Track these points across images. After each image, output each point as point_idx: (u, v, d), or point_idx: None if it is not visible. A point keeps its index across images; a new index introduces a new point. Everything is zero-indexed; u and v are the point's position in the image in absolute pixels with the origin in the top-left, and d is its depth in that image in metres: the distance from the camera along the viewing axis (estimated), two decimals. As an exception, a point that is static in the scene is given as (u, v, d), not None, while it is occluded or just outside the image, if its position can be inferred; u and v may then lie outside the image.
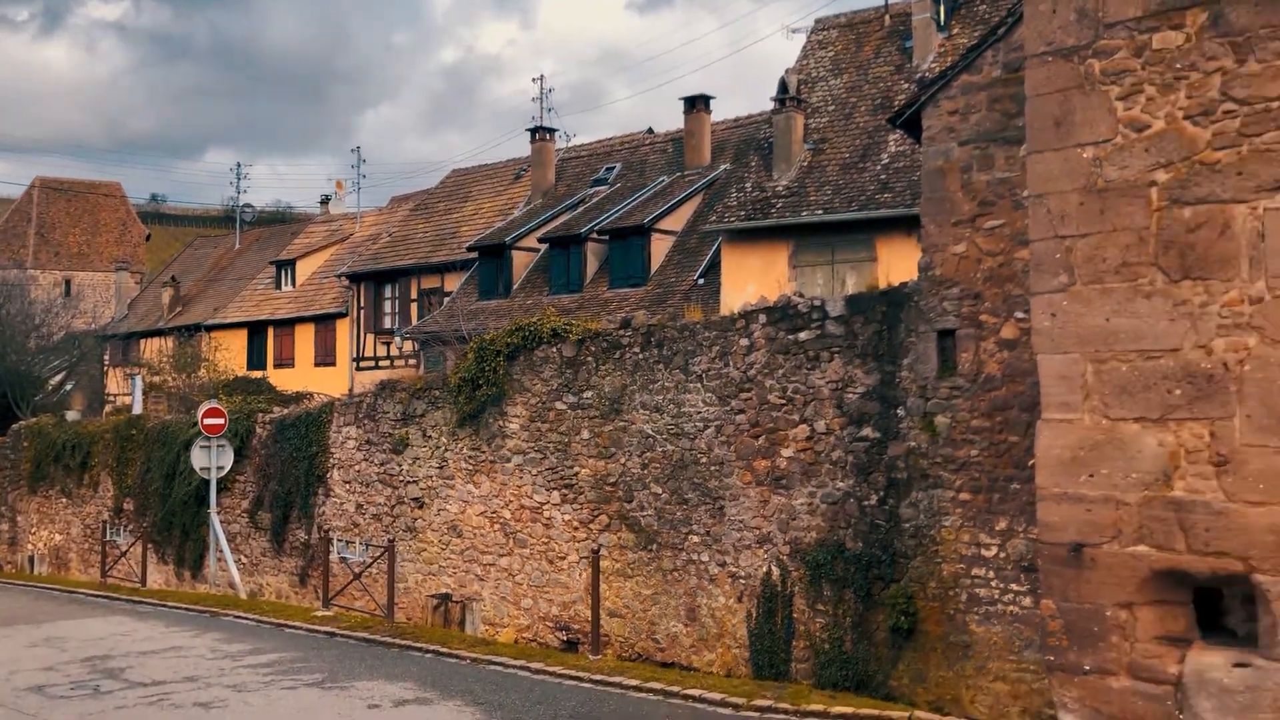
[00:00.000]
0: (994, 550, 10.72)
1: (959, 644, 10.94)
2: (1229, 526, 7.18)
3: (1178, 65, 7.47)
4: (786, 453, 12.23)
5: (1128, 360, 7.67)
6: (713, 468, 12.94)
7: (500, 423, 15.48)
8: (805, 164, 24.23)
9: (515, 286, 30.60)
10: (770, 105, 25.46)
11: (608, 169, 33.00)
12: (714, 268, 25.83)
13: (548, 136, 34.35)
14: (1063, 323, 7.99)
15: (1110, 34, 7.79)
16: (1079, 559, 7.82)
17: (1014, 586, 10.50)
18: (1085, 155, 7.89)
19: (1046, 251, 8.10)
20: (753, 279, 23.20)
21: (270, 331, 40.58)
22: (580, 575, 14.24)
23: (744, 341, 12.77)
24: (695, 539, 13.06)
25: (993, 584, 10.73)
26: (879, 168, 23.21)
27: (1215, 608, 8.20)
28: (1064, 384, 7.96)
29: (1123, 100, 7.73)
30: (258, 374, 35.76)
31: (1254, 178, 7.13)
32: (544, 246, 30.37)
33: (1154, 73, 7.57)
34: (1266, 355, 7.07)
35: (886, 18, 26.06)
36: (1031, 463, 8.48)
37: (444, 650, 13.53)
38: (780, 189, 24.11)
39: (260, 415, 20.73)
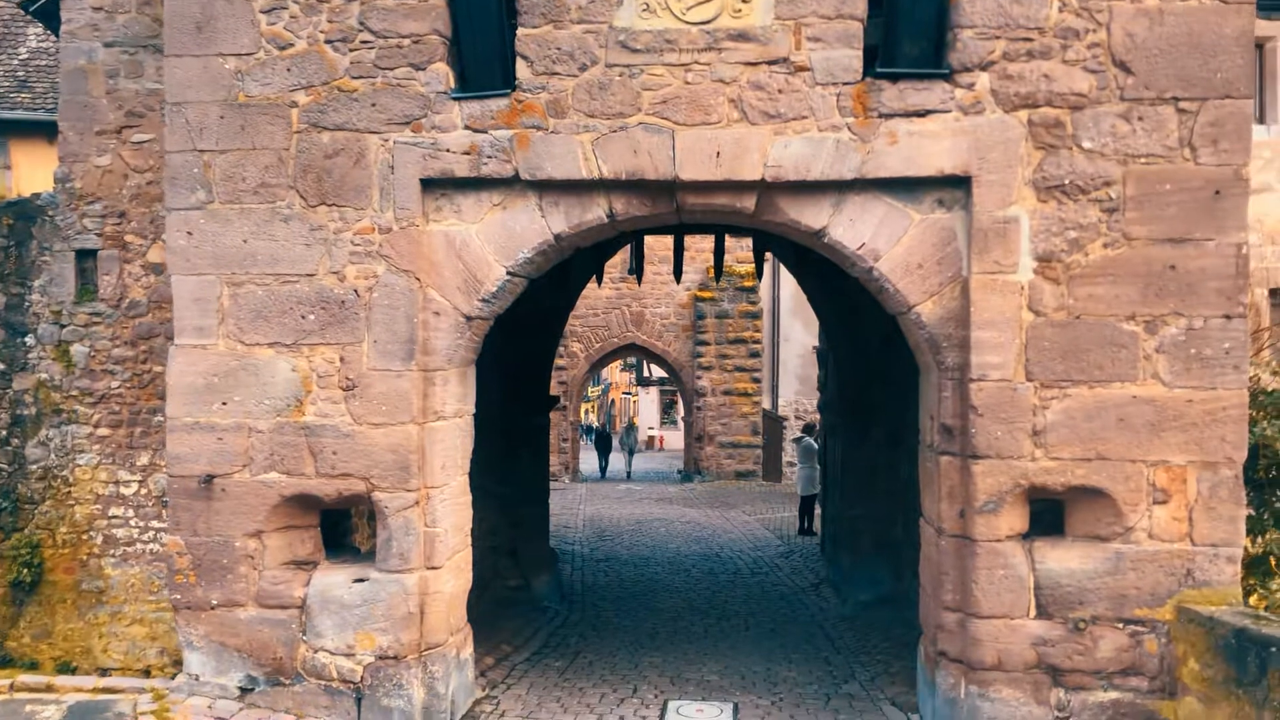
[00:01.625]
0: (134, 487, 10.05)
1: (92, 591, 10.11)
2: (354, 449, 7.41)
3: (320, -14, 7.38)
4: None
5: (264, 284, 7.46)
6: None
7: None
8: (-82, 41, 20.12)
9: None
10: None
11: None
12: None
13: None
14: (199, 242, 7.50)
15: (255, -60, 7.42)
16: (209, 490, 7.47)
17: (155, 524, 9.95)
18: (227, 66, 7.45)
19: (184, 165, 7.51)
20: None
21: None
22: None
23: None
24: None
25: (132, 523, 10.10)
26: (16, 63, 20.17)
27: (342, 528, 8.51)
28: (199, 307, 7.50)
29: (266, 14, 7.42)
30: None
31: (386, 110, 7.35)
32: None
33: (297, -11, 7.39)
34: (393, 284, 7.38)
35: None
36: (166, 391, 7.89)
37: None
38: (-117, 67, 19.69)
39: None
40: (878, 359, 12.51)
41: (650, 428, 60.05)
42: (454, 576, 7.77)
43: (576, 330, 32.92)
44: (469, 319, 7.52)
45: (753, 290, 32.36)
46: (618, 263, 32.88)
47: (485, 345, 9.01)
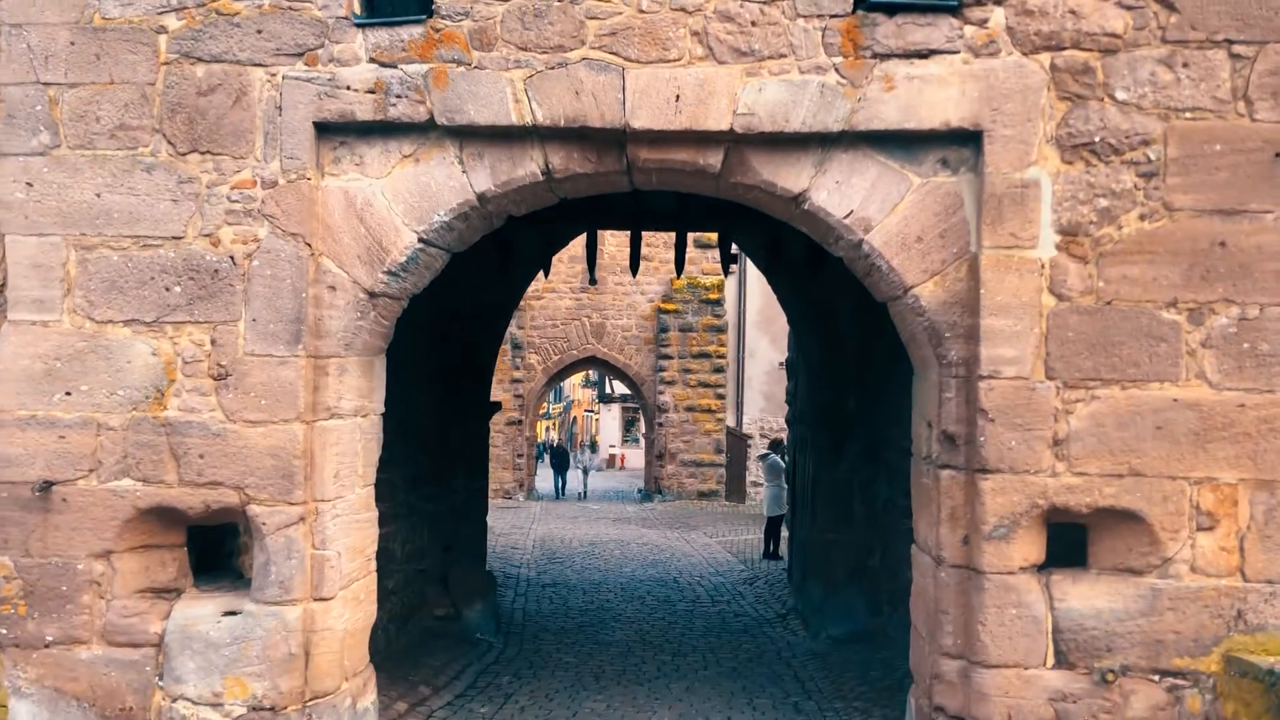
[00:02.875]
0: None
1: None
2: (226, 451, 6.03)
3: (196, -114, 6.05)
4: None
5: (121, 248, 6.09)
6: None
7: None
8: None
9: None
10: None
11: None
12: None
13: None
14: (41, 195, 6.11)
15: None
16: (47, 500, 6.05)
17: None
18: (81, -19, 6.10)
19: (25, 101, 6.13)
20: None
21: None
22: None
23: None
24: None
25: None
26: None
27: (229, 547, 7.10)
28: (39, 275, 6.11)
29: (132, -81, 6.08)
30: None
31: (274, 38, 6.02)
32: None
33: (168, -111, 6.05)
34: (278, 250, 6.03)
35: None
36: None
37: None
38: None
39: None
40: (854, 364, 11.30)
41: (612, 445, 58.78)
42: (350, 609, 6.39)
43: (534, 341, 31.61)
44: (372, 296, 6.18)
45: (718, 303, 31.21)
46: (579, 272, 31.64)
47: (414, 343, 7.73)
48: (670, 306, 30.83)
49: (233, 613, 6.10)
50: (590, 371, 53.24)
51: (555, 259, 30.85)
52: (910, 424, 6.78)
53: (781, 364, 21.50)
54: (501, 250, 10.95)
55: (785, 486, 16.40)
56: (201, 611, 6.15)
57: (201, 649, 6.04)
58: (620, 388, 47.56)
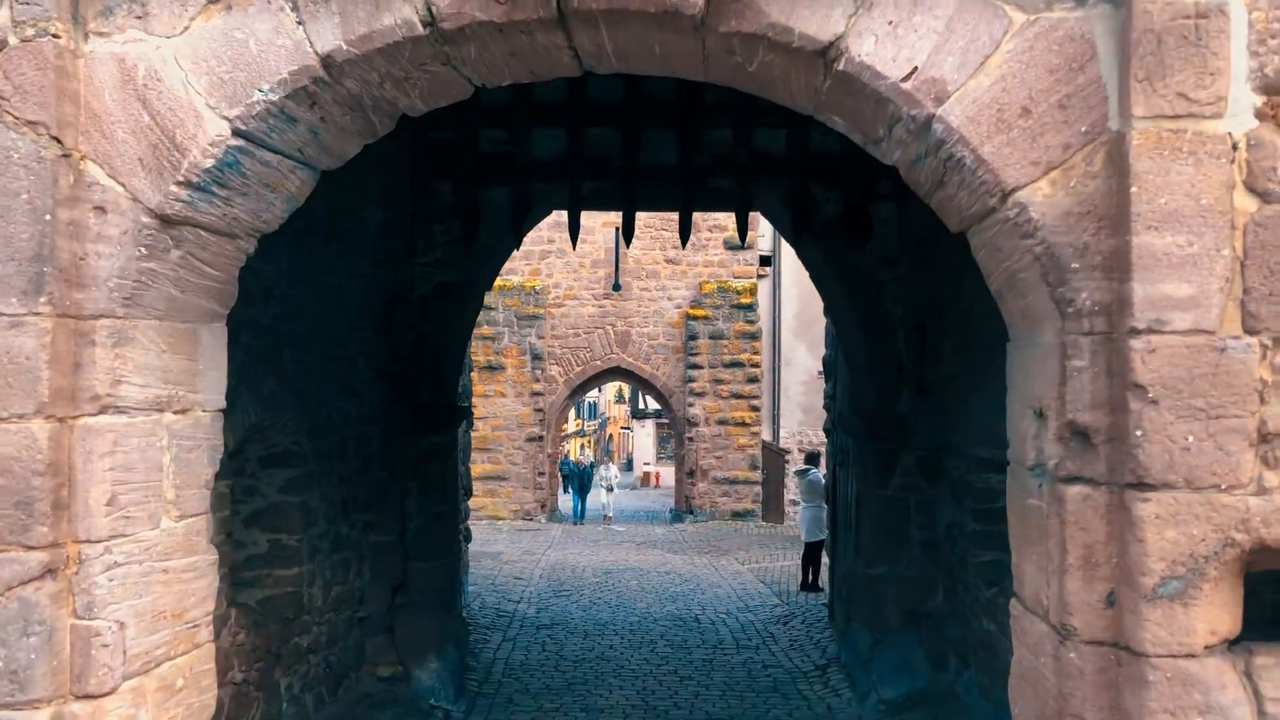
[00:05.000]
0: None
1: None
2: (-68, 465, 3.87)
3: None
4: None
5: None
6: None
7: None
8: None
9: None
10: None
11: None
12: None
13: None
14: None
15: None
16: None
17: None
18: None
19: None
20: None
21: None
22: None
23: None
24: None
25: None
26: None
27: None
28: None
29: None
30: None
31: None
32: None
33: None
34: (9, 149, 3.85)
35: None
36: None
37: None
38: None
39: None
40: (907, 354, 9.00)
41: (646, 463, 56.67)
42: (156, 706, 4.19)
43: (555, 352, 29.52)
44: (167, 223, 4.00)
45: (751, 308, 28.94)
46: (603, 278, 29.58)
47: (338, 330, 5.58)
48: (699, 312, 28.62)
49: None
50: (623, 386, 51.05)
51: (577, 263, 28.89)
52: (992, 422, 4.49)
53: (820, 372, 19.19)
54: (463, 216, 8.80)
55: (825, 507, 14.10)
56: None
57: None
58: (655, 404, 45.43)
